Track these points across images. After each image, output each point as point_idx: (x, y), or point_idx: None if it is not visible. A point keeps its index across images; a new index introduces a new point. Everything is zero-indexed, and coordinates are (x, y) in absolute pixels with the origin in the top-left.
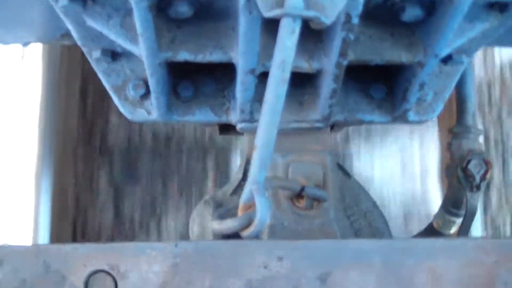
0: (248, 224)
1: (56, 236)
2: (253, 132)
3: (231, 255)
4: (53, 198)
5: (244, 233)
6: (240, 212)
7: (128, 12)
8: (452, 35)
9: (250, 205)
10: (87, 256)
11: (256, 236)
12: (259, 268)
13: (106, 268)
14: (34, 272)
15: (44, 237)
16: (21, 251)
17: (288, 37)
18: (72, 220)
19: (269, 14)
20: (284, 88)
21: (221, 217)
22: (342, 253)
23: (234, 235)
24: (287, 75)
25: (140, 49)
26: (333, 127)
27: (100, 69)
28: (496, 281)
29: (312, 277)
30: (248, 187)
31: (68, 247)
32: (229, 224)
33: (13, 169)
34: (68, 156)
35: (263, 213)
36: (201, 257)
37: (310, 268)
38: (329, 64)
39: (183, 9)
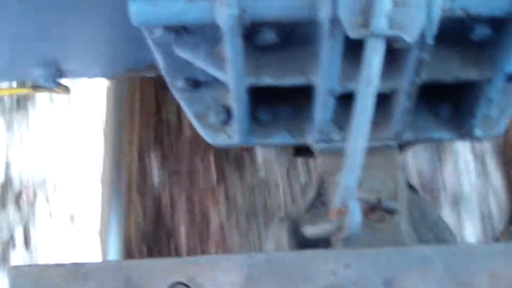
0: (340, 227)
1: None
2: (329, 151)
3: (301, 264)
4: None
5: (339, 236)
6: (332, 216)
7: (217, 41)
8: None
9: (341, 210)
10: (166, 270)
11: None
12: (328, 275)
13: (184, 280)
14: (116, 286)
15: None
16: (105, 267)
17: (373, 55)
18: None
19: (355, 35)
20: (371, 102)
21: (313, 222)
22: (405, 259)
23: (310, 247)
24: (373, 90)
25: (228, 75)
26: (402, 146)
27: (182, 98)
28: None
29: (378, 282)
30: (339, 192)
31: (148, 262)
32: (323, 228)
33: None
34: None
35: (356, 216)
36: (273, 268)
37: (376, 274)
38: (403, 83)
39: (269, 36)
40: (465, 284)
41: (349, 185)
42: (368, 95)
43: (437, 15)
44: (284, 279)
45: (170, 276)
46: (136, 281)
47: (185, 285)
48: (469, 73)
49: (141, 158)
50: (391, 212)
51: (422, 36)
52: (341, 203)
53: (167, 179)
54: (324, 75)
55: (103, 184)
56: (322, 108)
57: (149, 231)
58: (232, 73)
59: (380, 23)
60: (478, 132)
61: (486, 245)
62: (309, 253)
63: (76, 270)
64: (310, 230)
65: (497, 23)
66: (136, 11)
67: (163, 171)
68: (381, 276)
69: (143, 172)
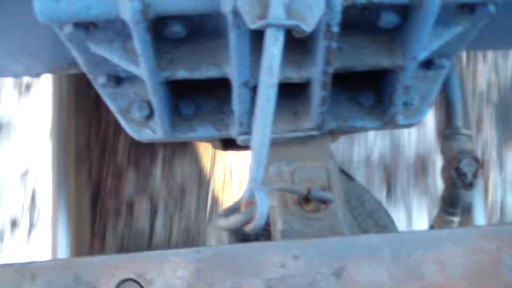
0: (250, 219)
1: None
2: None
3: (250, 256)
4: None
5: (248, 227)
6: (242, 209)
7: (129, 36)
8: (428, 38)
9: (252, 202)
10: (115, 266)
11: (260, 230)
12: (277, 268)
13: (133, 276)
14: (65, 285)
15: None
16: (53, 265)
17: (273, 45)
18: None
19: (254, 26)
20: (273, 92)
21: (227, 215)
22: (353, 248)
23: (251, 241)
24: (275, 80)
25: (141, 69)
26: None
27: (105, 94)
28: (500, 266)
29: (327, 273)
30: (248, 185)
31: (97, 259)
32: (233, 220)
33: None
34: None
35: (263, 208)
36: (221, 261)
37: (325, 265)
38: (316, 72)
39: (177, 29)
40: (413, 271)
41: (255, 177)
42: (270, 86)
43: (338, 3)
44: (233, 272)
45: (119, 273)
46: (85, 279)
47: (134, 281)
48: (382, 61)
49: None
50: (324, 201)
51: (328, 25)
52: (250, 196)
53: None
54: (234, 67)
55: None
56: (238, 100)
57: None
58: (144, 68)
59: (278, 13)
60: (400, 119)
61: (431, 231)
62: (257, 245)
63: (24, 270)
64: (223, 223)
65: (402, 10)
66: (40, 8)
67: None
68: (330, 267)
69: None
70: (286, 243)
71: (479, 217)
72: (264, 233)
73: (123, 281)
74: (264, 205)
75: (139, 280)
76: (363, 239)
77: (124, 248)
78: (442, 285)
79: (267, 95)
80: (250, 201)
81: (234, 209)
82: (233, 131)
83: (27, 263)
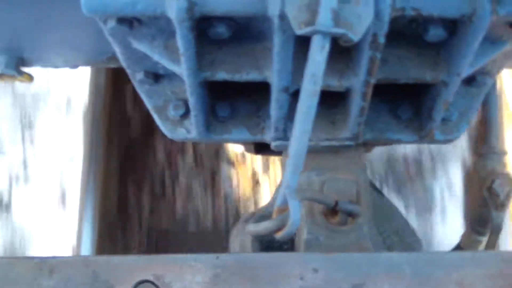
0: (282, 226)
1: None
2: (287, 149)
3: (269, 266)
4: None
5: (278, 235)
6: (274, 215)
7: (172, 34)
8: (474, 54)
9: (284, 209)
10: (134, 267)
11: (290, 239)
12: (296, 279)
13: (151, 278)
14: (83, 282)
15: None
16: (72, 262)
17: (318, 52)
18: None
19: (300, 31)
20: (315, 100)
21: (257, 221)
22: (374, 265)
23: (274, 248)
24: (317, 88)
25: (182, 68)
26: (366, 147)
27: (142, 90)
28: None
29: None
30: (281, 191)
31: (116, 259)
32: (264, 226)
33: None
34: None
35: (296, 216)
36: (240, 269)
37: (344, 280)
38: (357, 82)
39: (221, 30)
40: None
41: (290, 184)
42: (312, 93)
43: (387, 13)
44: (251, 280)
45: (138, 274)
46: (103, 277)
47: (152, 283)
48: (425, 75)
49: None
50: (351, 214)
51: (374, 35)
52: (283, 203)
53: None
54: (276, 71)
55: None
56: (277, 105)
57: None
58: (185, 67)
59: (326, 20)
60: (437, 135)
61: (454, 253)
62: (277, 255)
63: (43, 264)
64: (253, 228)
65: (451, 25)
66: (86, 1)
67: None
68: (349, 282)
69: None
70: (307, 256)
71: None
72: (288, 242)
73: (141, 282)
74: (297, 213)
75: (157, 283)
76: (385, 257)
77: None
78: None
79: (308, 103)
80: (282, 208)
81: (262, 215)
82: (268, 136)
83: (46, 257)
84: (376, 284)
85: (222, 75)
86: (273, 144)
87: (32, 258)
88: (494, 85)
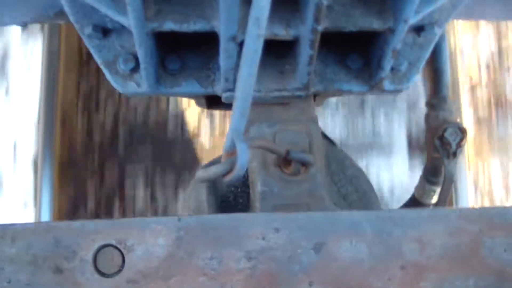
0: (230, 170)
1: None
2: None
3: (231, 227)
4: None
5: (227, 178)
6: (223, 159)
7: None
8: (419, 0)
9: (232, 153)
10: (95, 232)
11: (245, 193)
12: (258, 240)
13: (113, 242)
14: (45, 248)
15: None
16: (33, 228)
17: None
18: None
19: None
20: (260, 43)
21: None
22: (335, 224)
23: (229, 202)
24: (262, 32)
25: (129, 20)
26: (315, 98)
27: (91, 45)
28: (481, 249)
29: (307, 247)
30: (228, 135)
31: (77, 224)
32: (213, 170)
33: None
34: None
35: (243, 158)
36: (203, 230)
37: (305, 239)
38: (305, 30)
39: None
40: (393, 249)
41: (237, 127)
42: (257, 37)
43: None
44: (214, 241)
45: (100, 238)
46: (65, 243)
47: (114, 247)
48: (372, 22)
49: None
50: (304, 164)
51: None
52: (231, 146)
53: None
54: (223, 20)
55: None
56: (225, 55)
57: None
58: (132, 17)
59: None
60: (387, 85)
61: (413, 210)
62: (240, 216)
63: (4, 232)
64: (202, 173)
65: None
66: None
67: None
68: (310, 241)
69: None
70: (268, 216)
71: (462, 189)
72: (243, 195)
73: (103, 247)
74: (245, 156)
75: (119, 246)
76: (345, 215)
77: None
78: (421, 264)
79: (253, 46)
80: (230, 152)
81: (212, 163)
82: (219, 89)
83: (7, 225)
84: (337, 243)
85: (169, 25)
86: (223, 96)
87: None
88: (443, 35)
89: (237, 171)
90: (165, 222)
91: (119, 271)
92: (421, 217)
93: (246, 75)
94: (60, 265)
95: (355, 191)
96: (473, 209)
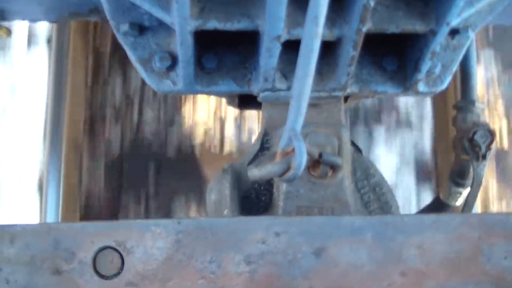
0: (287, 169)
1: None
2: (274, 101)
3: (231, 231)
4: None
5: (285, 177)
6: (278, 158)
7: None
8: (463, 3)
9: (287, 152)
10: (95, 233)
11: (268, 192)
12: (258, 244)
13: (113, 244)
14: (44, 249)
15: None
16: (33, 229)
17: None
18: None
19: None
20: (317, 42)
21: (257, 165)
22: (336, 229)
23: (251, 199)
24: (319, 30)
25: (173, 17)
26: (346, 99)
27: (126, 43)
28: (479, 256)
29: (308, 252)
30: (285, 134)
31: (77, 225)
32: (269, 169)
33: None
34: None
35: (301, 157)
36: (202, 233)
37: (306, 243)
38: (349, 31)
39: None
40: (393, 255)
41: (294, 126)
42: (314, 35)
43: None
44: (213, 245)
45: (99, 240)
46: (64, 245)
47: (114, 249)
48: (415, 24)
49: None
50: (333, 167)
51: None
52: (287, 145)
53: None
54: (269, 19)
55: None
56: (267, 54)
57: None
58: (178, 14)
59: None
60: (422, 87)
61: (415, 216)
62: (240, 219)
63: (3, 232)
64: (256, 173)
65: None
66: None
67: None
68: (311, 246)
69: None
70: (269, 219)
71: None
72: (266, 193)
73: (103, 249)
74: (303, 154)
75: (118, 249)
76: (347, 220)
77: None
78: (421, 270)
79: (310, 45)
80: (286, 150)
81: (259, 161)
82: (255, 88)
83: (7, 225)
84: (337, 247)
85: (213, 24)
86: (261, 95)
87: None
88: (472, 40)
89: (295, 171)
90: (165, 225)
91: (118, 273)
92: (423, 223)
93: (303, 74)
94: (59, 267)
95: (377, 200)
96: (474, 215)
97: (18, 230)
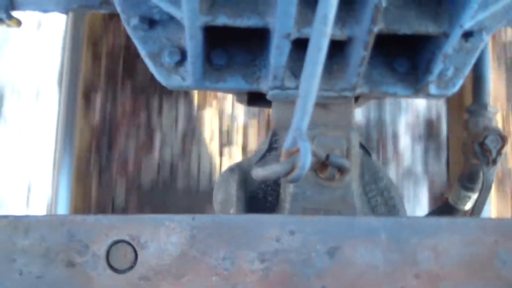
0: (291, 169)
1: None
2: (283, 100)
3: (246, 228)
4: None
5: (290, 177)
6: (282, 158)
7: None
8: (477, 6)
9: (292, 152)
10: (109, 227)
11: (275, 192)
12: (272, 241)
13: (127, 238)
14: (58, 241)
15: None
16: (47, 221)
17: None
18: None
19: None
20: (325, 41)
21: (262, 165)
22: (351, 229)
23: (258, 199)
24: (328, 30)
25: (182, 11)
26: (356, 100)
27: (136, 37)
28: (495, 260)
29: (322, 251)
30: (290, 133)
31: (92, 218)
32: (274, 169)
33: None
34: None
35: (306, 157)
36: (216, 230)
37: (320, 243)
38: (360, 31)
39: None
40: (408, 256)
41: (300, 126)
42: (323, 34)
43: None
44: (227, 241)
45: (113, 234)
46: (78, 237)
47: (127, 243)
48: (427, 26)
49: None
50: (341, 169)
51: None
52: (292, 145)
53: None
54: (279, 17)
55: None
56: (277, 52)
57: None
58: (187, 9)
59: None
60: (433, 89)
61: (431, 219)
62: (255, 217)
63: (18, 223)
64: (260, 173)
65: None
66: None
67: None
68: (325, 245)
69: None
70: (284, 218)
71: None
72: (273, 193)
73: (116, 242)
74: (308, 155)
75: (132, 243)
76: (362, 221)
77: None
78: (435, 273)
79: (319, 44)
80: (291, 151)
81: (264, 162)
82: (264, 85)
83: (21, 216)
84: (352, 248)
85: (222, 20)
86: (270, 93)
87: (7, 216)
88: (487, 43)
89: (300, 171)
90: (179, 220)
91: (131, 267)
92: (439, 225)
93: (310, 73)
94: (72, 259)
95: (384, 204)
96: (491, 219)
97: (32, 221)
